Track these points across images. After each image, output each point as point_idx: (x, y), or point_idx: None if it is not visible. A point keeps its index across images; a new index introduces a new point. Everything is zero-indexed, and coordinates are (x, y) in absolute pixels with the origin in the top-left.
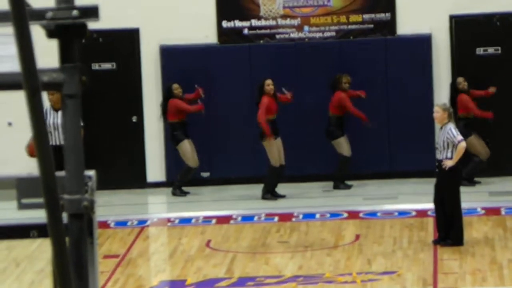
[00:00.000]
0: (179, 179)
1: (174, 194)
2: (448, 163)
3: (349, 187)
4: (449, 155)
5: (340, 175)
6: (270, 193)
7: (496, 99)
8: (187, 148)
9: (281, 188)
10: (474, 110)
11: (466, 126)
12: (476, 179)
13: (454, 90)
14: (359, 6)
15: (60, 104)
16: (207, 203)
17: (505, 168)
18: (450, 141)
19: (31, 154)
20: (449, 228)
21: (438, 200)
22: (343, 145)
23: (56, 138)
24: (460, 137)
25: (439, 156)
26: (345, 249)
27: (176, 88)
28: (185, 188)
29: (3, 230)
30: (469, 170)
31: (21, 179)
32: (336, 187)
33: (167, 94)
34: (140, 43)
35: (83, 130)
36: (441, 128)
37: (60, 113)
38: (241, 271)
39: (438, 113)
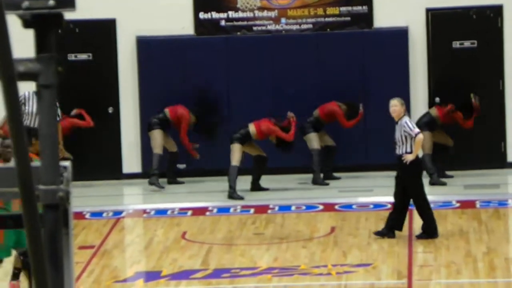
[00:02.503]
0: (154, 169)
1: (151, 183)
2: (409, 157)
3: (334, 179)
4: (408, 149)
5: (321, 168)
6: (234, 190)
7: (472, 92)
8: (156, 136)
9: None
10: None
11: (429, 124)
12: (450, 172)
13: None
14: None
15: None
16: (183, 194)
17: (480, 162)
18: (407, 134)
19: (3, 136)
20: (400, 220)
21: (398, 194)
22: (312, 140)
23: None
24: (416, 129)
25: (398, 151)
26: (321, 241)
27: (194, 118)
28: (164, 183)
29: None
30: (430, 168)
31: None
32: (319, 182)
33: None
34: (116, 34)
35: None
36: (397, 123)
37: None
38: (216, 263)
39: (396, 107)
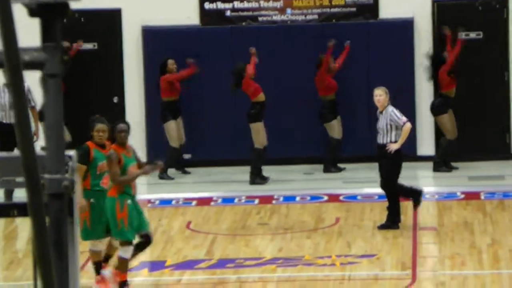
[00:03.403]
0: (166, 162)
1: (161, 177)
2: (394, 147)
3: (340, 170)
4: (393, 138)
5: (332, 158)
6: (259, 177)
7: (478, 83)
8: (172, 128)
9: (262, 171)
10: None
11: (444, 104)
12: (455, 163)
13: (438, 63)
14: None
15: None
16: (188, 184)
17: (485, 153)
18: (394, 123)
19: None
20: (396, 211)
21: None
22: (334, 128)
23: (12, 116)
24: (404, 118)
25: (381, 140)
26: (325, 232)
27: (171, 63)
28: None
29: None
30: (441, 154)
31: (1, 158)
32: (327, 170)
33: (161, 70)
34: (122, 24)
35: (35, 110)
36: (381, 112)
37: None
38: (221, 253)
39: (382, 96)
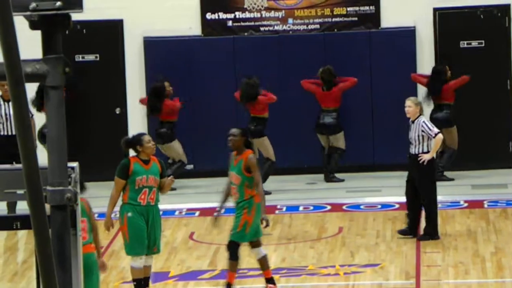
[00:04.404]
0: (172, 174)
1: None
2: (426, 157)
3: (341, 180)
4: (425, 149)
5: (336, 168)
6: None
7: (480, 92)
8: (177, 146)
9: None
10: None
11: (452, 115)
12: (457, 172)
13: (440, 78)
14: None
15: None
16: (191, 195)
17: (488, 161)
18: (425, 134)
19: None
20: (418, 222)
21: (410, 194)
22: (340, 139)
23: (8, 128)
24: (435, 129)
25: (413, 150)
26: (328, 241)
27: (168, 85)
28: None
29: None
30: (446, 164)
31: (4, 170)
32: (329, 180)
33: (159, 92)
34: (123, 35)
35: (33, 120)
36: (413, 122)
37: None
38: (224, 263)
39: (411, 108)
